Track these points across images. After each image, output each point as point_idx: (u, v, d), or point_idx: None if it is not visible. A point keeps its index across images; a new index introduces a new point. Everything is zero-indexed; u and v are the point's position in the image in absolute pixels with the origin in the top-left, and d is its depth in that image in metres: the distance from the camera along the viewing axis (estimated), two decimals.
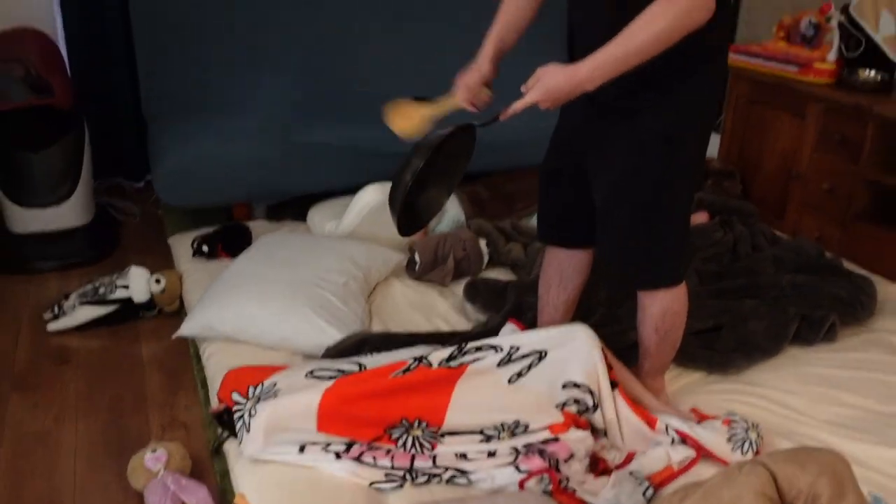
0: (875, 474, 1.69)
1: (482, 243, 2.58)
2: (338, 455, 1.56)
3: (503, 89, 1.71)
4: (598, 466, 1.57)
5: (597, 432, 1.64)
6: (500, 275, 2.52)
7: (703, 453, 1.63)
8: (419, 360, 1.66)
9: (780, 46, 3.02)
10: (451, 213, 2.77)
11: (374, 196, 2.62)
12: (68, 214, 2.72)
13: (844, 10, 2.86)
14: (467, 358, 1.66)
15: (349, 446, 1.57)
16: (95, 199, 2.95)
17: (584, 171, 1.72)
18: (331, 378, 1.68)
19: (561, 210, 1.86)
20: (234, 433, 1.63)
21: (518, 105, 1.56)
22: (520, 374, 1.64)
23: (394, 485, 1.53)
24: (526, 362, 1.65)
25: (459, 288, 2.43)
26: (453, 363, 1.64)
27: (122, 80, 3.21)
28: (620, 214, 1.67)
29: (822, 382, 2.02)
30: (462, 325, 2.26)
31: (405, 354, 1.77)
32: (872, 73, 2.74)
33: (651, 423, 1.65)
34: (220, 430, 1.70)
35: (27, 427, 1.94)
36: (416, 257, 2.49)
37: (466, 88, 1.69)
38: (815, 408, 1.92)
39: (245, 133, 2.74)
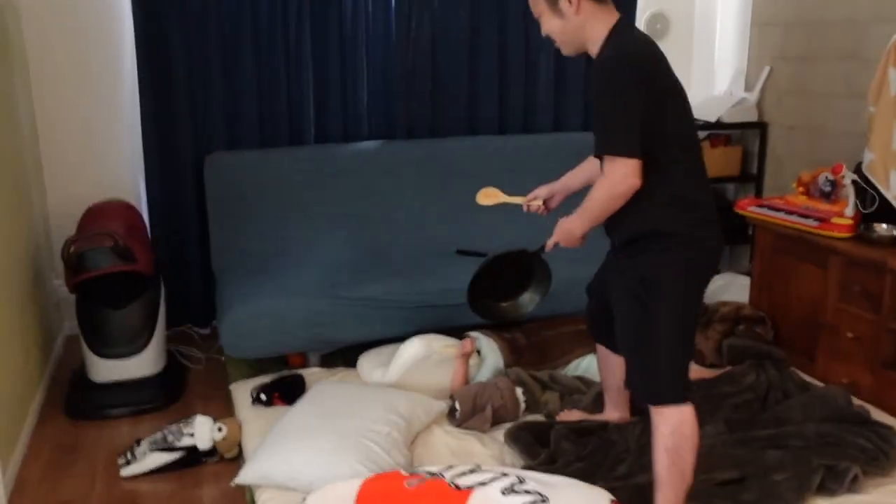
0: None
1: (518, 391, 2.74)
2: None
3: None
4: None
5: None
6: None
7: None
8: (433, 474, 1.84)
9: (801, 200, 3.22)
10: (491, 360, 2.96)
11: (417, 348, 2.83)
12: (143, 364, 2.99)
13: (858, 168, 3.06)
14: (475, 479, 1.83)
15: None
16: (167, 347, 3.24)
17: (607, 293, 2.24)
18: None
19: (595, 315, 2.46)
20: None
21: (550, 242, 2.25)
22: None
23: None
24: (530, 498, 1.79)
25: (499, 434, 2.59)
26: (461, 482, 1.81)
27: (195, 236, 3.59)
28: (621, 336, 2.14)
29: None
30: None
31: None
32: (886, 227, 2.89)
33: None
34: None
35: None
36: (457, 405, 2.67)
37: (532, 196, 2.44)
38: None
39: (301, 290, 3.03)
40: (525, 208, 2.46)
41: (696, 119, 3.89)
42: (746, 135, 3.99)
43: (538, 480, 1.91)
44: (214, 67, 3.51)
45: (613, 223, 2.09)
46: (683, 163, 2.03)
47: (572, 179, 2.43)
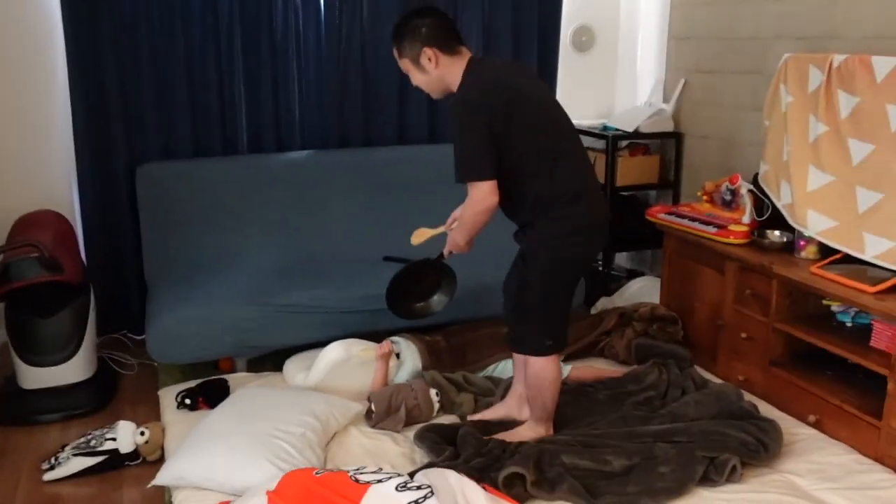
0: None
1: (432, 393, 2.88)
2: None
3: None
4: None
5: None
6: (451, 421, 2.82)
7: None
8: (339, 469, 2.07)
9: (705, 208, 3.41)
10: (409, 362, 3.09)
11: (337, 351, 2.96)
12: (72, 371, 3.07)
13: (755, 178, 3.26)
14: (374, 477, 2.01)
15: None
16: (98, 353, 3.32)
17: None
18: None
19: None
20: None
21: (445, 250, 2.74)
22: (416, 502, 1.94)
23: None
24: (419, 493, 1.96)
25: (412, 434, 2.73)
26: (361, 477, 1.99)
27: (129, 245, 3.67)
28: (507, 293, 2.72)
29: None
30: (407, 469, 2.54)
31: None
32: (778, 234, 3.09)
33: None
34: None
35: None
36: (372, 406, 2.80)
37: (450, 220, 2.77)
38: None
39: (228, 297, 3.14)
40: (449, 232, 2.80)
41: (612, 128, 4.09)
42: (664, 144, 4.18)
43: (427, 476, 2.07)
44: (147, 79, 3.60)
45: (510, 217, 2.56)
46: (546, 171, 2.43)
47: None
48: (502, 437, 2.61)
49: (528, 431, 2.63)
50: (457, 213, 2.74)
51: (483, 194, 2.35)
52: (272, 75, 3.81)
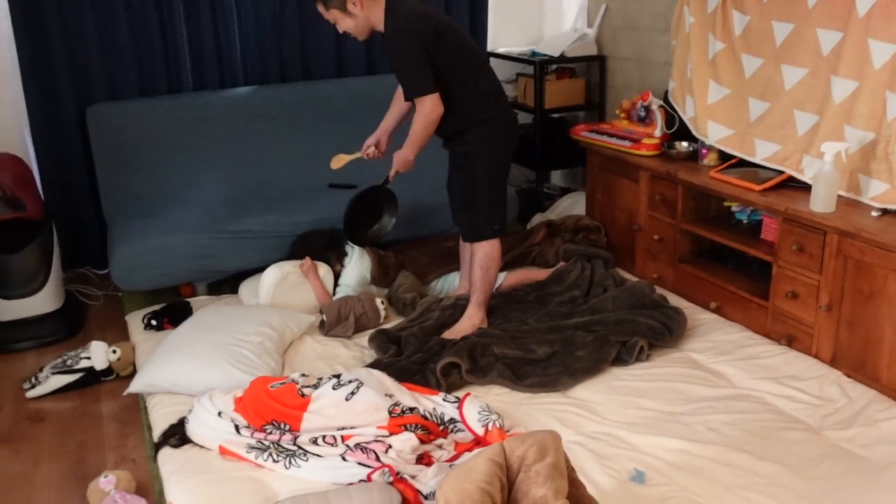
0: (647, 457, 2.27)
1: (378, 301, 3.19)
2: (237, 429, 2.28)
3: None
4: (423, 461, 2.16)
5: (428, 436, 2.24)
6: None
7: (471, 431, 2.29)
8: (292, 379, 2.38)
9: (623, 124, 3.70)
10: (354, 269, 3.34)
11: (272, 274, 3.22)
12: (42, 302, 3.30)
13: (665, 94, 3.56)
14: (312, 386, 2.36)
15: (247, 426, 2.30)
16: (65, 286, 3.55)
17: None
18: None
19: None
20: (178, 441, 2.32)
21: (391, 172, 3.06)
22: (353, 393, 2.26)
23: (263, 453, 2.20)
24: (352, 386, 2.28)
25: (362, 340, 3.04)
26: (305, 390, 2.29)
27: (85, 184, 3.85)
28: (453, 198, 3.08)
29: (628, 392, 2.62)
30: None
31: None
32: (685, 144, 3.41)
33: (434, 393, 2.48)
34: (158, 438, 2.37)
35: (11, 470, 2.50)
36: (324, 317, 3.10)
37: (365, 146, 3.13)
38: (616, 411, 2.51)
39: (184, 227, 3.37)
40: (366, 157, 3.17)
41: (540, 53, 4.34)
42: (588, 67, 4.44)
43: (351, 374, 2.43)
44: (89, 22, 3.71)
45: (440, 131, 2.87)
46: (472, 84, 2.84)
47: (387, 122, 3.17)
48: (446, 335, 2.93)
49: (467, 322, 2.99)
50: (369, 140, 3.15)
51: (433, 104, 2.74)
52: (211, 14, 3.94)
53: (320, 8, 2.80)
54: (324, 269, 3.32)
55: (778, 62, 2.96)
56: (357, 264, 3.36)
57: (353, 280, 3.32)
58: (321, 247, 3.39)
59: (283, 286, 3.19)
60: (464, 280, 3.29)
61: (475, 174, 2.93)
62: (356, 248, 3.41)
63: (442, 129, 2.89)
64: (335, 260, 3.37)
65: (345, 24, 2.80)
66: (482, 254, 2.98)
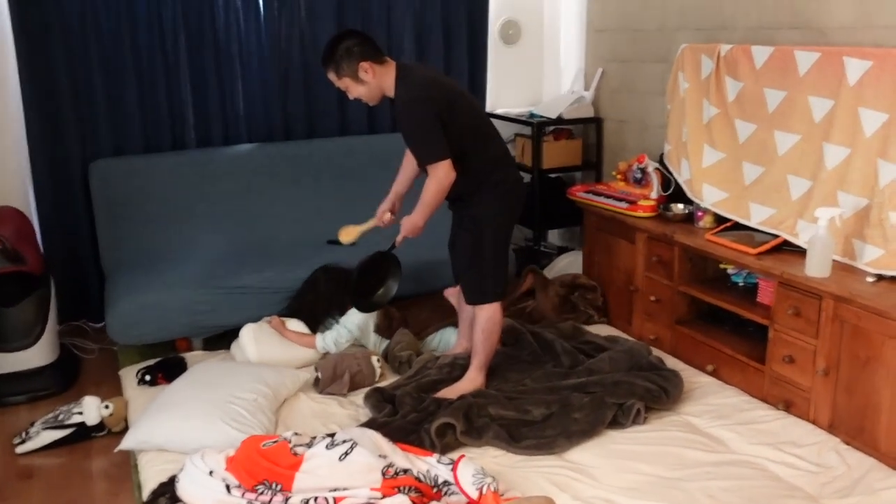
0: None
1: (374, 359, 3.18)
2: (228, 488, 2.24)
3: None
4: None
5: (422, 499, 2.21)
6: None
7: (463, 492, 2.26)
8: (285, 438, 2.34)
9: (620, 186, 3.75)
10: (355, 317, 3.36)
11: (247, 333, 3.26)
12: (37, 355, 3.28)
13: (661, 157, 3.61)
14: (305, 445, 2.32)
15: (238, 486, 2.26)
16: (60, 340, 3.53)
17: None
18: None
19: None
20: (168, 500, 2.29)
21: (399, 238, 3.00)
22: (346, 454, 2.24)
23: None
24: (346, 446, 2.26)
25: (356, 398, 3.02)
26: (297, 449, 2.27)
27: (86, 241, 3.88)
28: (458, 262, 3.06)
29: (625, 456, 2.59)
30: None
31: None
32: (681, 207, 3.45)
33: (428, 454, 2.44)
34: (148, 497, 2.33)
35: None
36: (319, 374, 3.08)
37: (380, 213, 3.12)
38: (614, 476, 2.49)
39: (182, 282, 3.39)
40: (382, 225, 3.15)
41: (538, 115, 4.42)
42: (586, 128, 4.51)
43: (346, 433, 2.40)
44: (97, 80, 3.79)
45: (449, 193, 2.84)
46: (482, 147, 2.89)
47: (399, 187, 3.18)
48: (443, 394, 2.91)
49: (467, 383, 2.96)
50: (384, 206, 3.13)
51: (447, 170, 2.74)
52: (217, 74, 4.03)
53: (331, 76, 2.83)
54: (294, 324, 3.34)
55: (771, 128, 3.01)
56: (355, 314, 3.38)
57: (356, 324, 3.34)
58: (331, 292, 3.39)
59: (264, 339, 3.21)
60: (461, 338, 3.28)
61: (482, 237, 2.92)
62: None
63: (451, 192, 2.87)
64: (348, 303, 3.37)
65: (356, 91, 2.82)
66: (484, 317, 2.96)
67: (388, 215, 3.14)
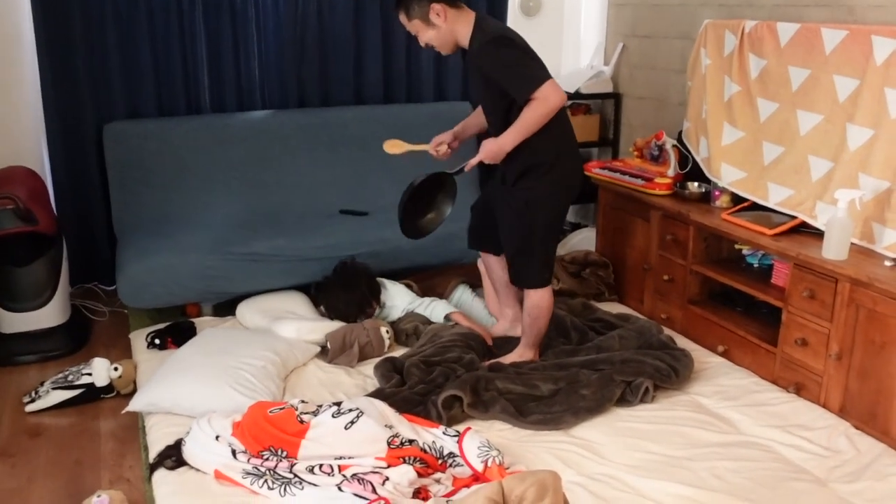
0: (649, 501, 2.23)
1: (383, 330, 3.17)
2: (234, 453, 2.25)
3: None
4: (420, 495, 2.12)
5: (426, 469, 2.21)
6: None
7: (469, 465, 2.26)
8: (291, 405, 2.34)
9: (636, 163, 3.70)
10: (399, 302, 3.39)
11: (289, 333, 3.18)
12: (48, 316, 3.29)
13: (679, 134, 3.55)
14: (311, 413, 2.32)
15: (244, 451, 2.27)
16: (72, 301, 3.55)
17: (493, 212, 2.99)
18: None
19: (476, 228, 3.15)
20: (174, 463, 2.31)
21: (473, 160, 2.75)
22: (352, 422, 2.23)
23: (259, 479, 2.18)
24: (352, 415, 2.25)
25: (365, 368, 3.02)
26: (304, 417, 2.25)
27: (98, 203, 3.87)
28: (508, 243, 2.92)
29: (632, 434, 2.58)
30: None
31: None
32: (698, 185, 3.40)
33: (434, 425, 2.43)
34: (154, 459, 2.35)
35: (4, 485, 2.47)
36: (328, 345, 3.08)
37: (436, 141, 2.96)
38: (619, 453, 2.47)
39: (193, 247, 3.37)
40: (434, 153, 2.97)
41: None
42: (604, 104, 4.45)
43: (352, 402, 2.40)
44: (112, 41, 3.76)
45: (510, 156, 2.70)
46: (563, 113, 2.73)
47: (469, 126, 3.03)
48: (492, 362, 2.93)
49: (515, 357, 2.97)
50: (444, 136, 2.97)
51: (553, 88, 2.56)
52: (233, 38, 3.99)
53: (402, 19, 2.72)
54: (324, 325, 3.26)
55: (793, 107, 2.95)
56: (397, 286, 3.43)
57: (401, 299, 3.38)
58: (358, 302, 3.31)
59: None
60: (505, 307, 3.24)
61: (535, 223, 2.81)
62: (390, 287, 3.45)
63: (508, 166, 2.76)
64: (375, 303, 3.36)
65: (427, 35, 2.70)
66: (531, 303, 2.91)
67: (444, 146, 2.97)
